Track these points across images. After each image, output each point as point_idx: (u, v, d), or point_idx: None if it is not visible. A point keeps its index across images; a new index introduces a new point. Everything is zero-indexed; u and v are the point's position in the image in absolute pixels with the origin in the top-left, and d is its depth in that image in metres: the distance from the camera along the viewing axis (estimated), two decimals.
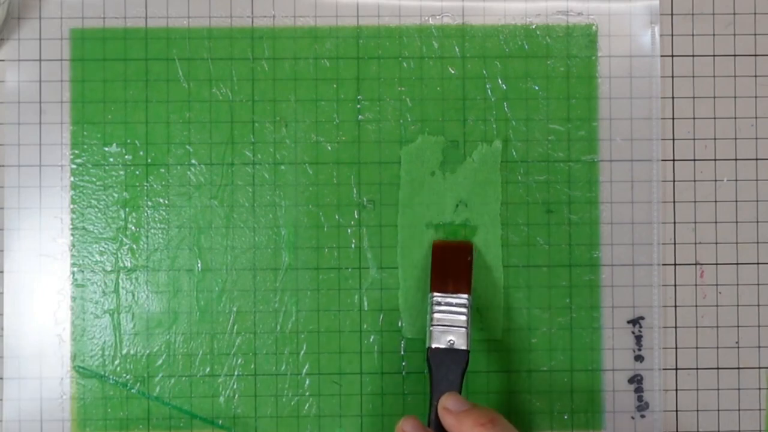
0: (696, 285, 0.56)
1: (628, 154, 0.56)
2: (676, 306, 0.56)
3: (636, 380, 0.56)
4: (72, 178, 0.55)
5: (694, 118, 0.57)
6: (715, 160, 0.56)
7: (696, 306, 0.56)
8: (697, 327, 0.56)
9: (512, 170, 0.56)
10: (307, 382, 0.55)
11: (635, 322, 0.56)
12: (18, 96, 0.55)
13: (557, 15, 0.57)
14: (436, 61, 0.56)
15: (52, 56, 0.56)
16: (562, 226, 0.56)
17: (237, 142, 0.56)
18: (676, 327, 0.56)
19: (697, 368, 0.56)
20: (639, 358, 0.56)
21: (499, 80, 0.56)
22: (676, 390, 0.56)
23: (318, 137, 0.56)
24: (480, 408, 0.47)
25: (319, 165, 0.56)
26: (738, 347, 0.56)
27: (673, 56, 0.57)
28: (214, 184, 0.56)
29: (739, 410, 0.56)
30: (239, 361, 0.55)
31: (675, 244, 0.56)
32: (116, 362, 0.55)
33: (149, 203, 0.55)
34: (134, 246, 0.55)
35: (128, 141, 0.55)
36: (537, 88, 0.56)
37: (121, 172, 0.55)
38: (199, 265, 0.55)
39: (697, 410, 0.56)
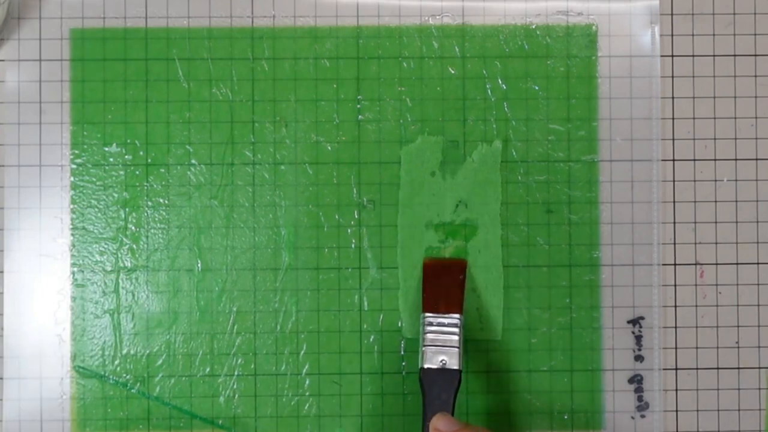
0: (696, 285, 0.56)
1: (628, 154, 0.56)
2: (676, 306, 0.56)
3: (636, 380, 0.56)
4: (72, 178, 0.55)
5: (694, 118, 0.57)
6: (715, 160, 0.56)
7: (696, 306, 0.56)
8: (697, 327, 0.56)
9: (512, 170, 0.56)
10: (307, 382, 0.55)
11: (635, 322, 0.56)
12: (18, 96, 0.55)
13: (557, 15, 0.57)
14: (436, 61, 0.56)
15: (52, 56, 0.56)
16: (562, 226, 0.56)
17: (237, 142, 0.56)
18: (676, 327, 0.56)
19: (697, 368, 0.56)
20: (639, 358, 0.56)
21: (499, 80, 0.56)
22: (676, 390, 0.56)
23: (318, 137, 0.56)
24: (471, 428, 0.47)
25: (319, 165, 0.56)
26: (738, 347, 0.56)
27: (673, 56, 0.57)
28: (214, 184, 0.56)
29: (739, 410, 0.56)
30: (239, 361, 0.55)
31: (675, 244, 0.56)
32: (116, 362, 0.55)
33: (149, 203, 0.55)
34: (134, 246, 0.55)
35: (128, 141, 0.55)
36: (537, 88, 0.56)
37: (121, 172, 0.55)
38: (199, 265, 0.55)
39: (697, 410, 0.56)
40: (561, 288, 0.56)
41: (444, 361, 0.51)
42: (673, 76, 0.57)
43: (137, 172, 0.56)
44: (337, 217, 0.56)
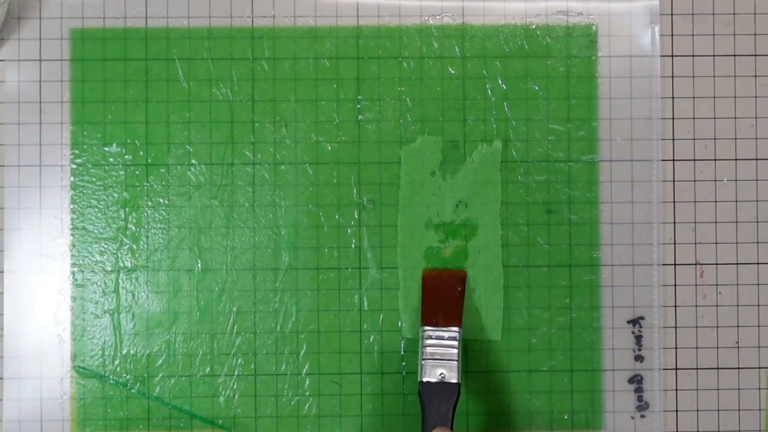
0: (696, 285, 0.56)
1: (628, 154, 0.56)
2: (676, 306, 0.56)
3: (636, 380, 0.56)
4: (72, 178, 0.55)
5: (694, 118, 0.57)
6: (715, 160, 0.56)
7: (696, 306, 0.56)
8: (697, 327, 0.56)
9: (512, 170, 0.56)
10: (307, 382, 0.55)
11: (635, 322, 0.56)
12: (18, 96, 0.55)
13: (557, 15, 0.57)
14: (436, 61, 0.56)
15: (52, 56, 0.56)
16: (562, 226, 0.56)
17: (237, 142, 0.56)
18: (676, 327, 0.56)
19: (697, 368, 0.56)
20: (639, 358, 0.56)
21: (499, 80, 0.56)
22: (676, 390, 0.56)
23: (318, 137, 0.56)
24: None
25: (319, 165, 0.56)
26: (738, 347, 0.56)
27: (673, 56, 0.57)
28: (214, 184, 0.56)
29: (739, 410, 0.56)
30: (239, 361, 0.55)
31: (675, 244, 0.56)
32: (116, 362, 0.55)
33: (149, 203, 0.55)
34: (134, 246, 0.55)
35: (128, 141, 0.55)
36: (537, 88, 0.56)
37: (121, 172, 0.55)
38: (199, 265, 0.55)
39: (697, 410, 0.56)
40: (561, 288, 0.56)
41: (443, 375, 0.51)
42: (673, 76, 0.57)
43: (137, 172, 0.56)
44: (337, 217, 0.56)
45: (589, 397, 0.56)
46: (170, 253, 0.55)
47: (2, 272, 0.55)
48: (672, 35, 0.57)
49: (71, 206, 0.55)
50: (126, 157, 0.55)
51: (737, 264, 0.56)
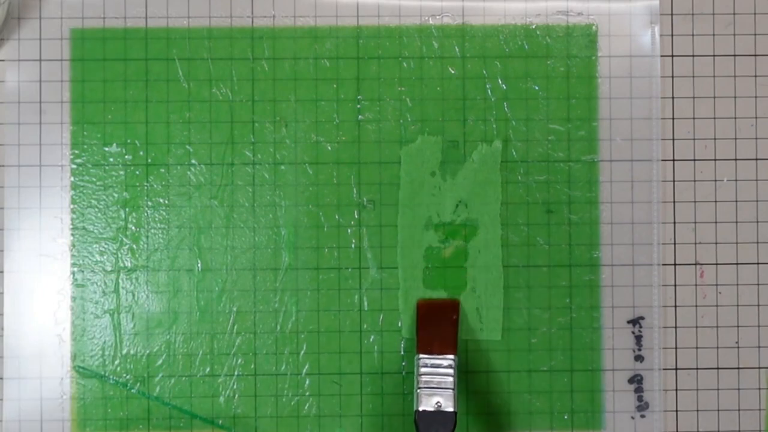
0: (696, 285, 0.56)
1: (628, 154, 0.56)
2: (676, 306, 0.56)
3: (636, 380, 0.56)
4: (72, 178, 0.55)
5: (694, 118, 0.57)
6: (715, 160, 0.56)
7: (696, 306, 0.56)
8: (697, 327, 0.56)
9: (512, 170, 0.56)
10: (307, 382, 0.55)
11: (635, 322, 0.56)
12: (18, 96, 0.55)
13: (557, 15, 0.57)
14: (436, 61, 0.56)
15: (52, 56, 0.56)
16: (562, 226, 0.56)
17: (237, 142, 0.56)
18: (676, 327, 0.56)
19: (697, 368, 0.56)
20: (639, 358, 0.56)
21: (499, 80, 0.56)
22: (676, 390, 0.56)
23: (318, 137, 0.56)
24: None
25: (319, 165, 0.56)
26: (738, 347, 0.56)
27: (673, 56, 0.57)
28: (214, 184, 0.56)
29: (739, 410, 0.56)
30: (239, 361, 0.55)
31: (675, 244, 0.56)
32: (116, 362, 0.55)
33: (149, 203, 0.55)
34: (134, 246, 0.55)
35: (128, 141, 0.55)
36: (537, 88, 0.56)
37: (121, 172, 0.55)
38: (199, 265, 0.55)
39: (697, 410, 0.56)
40: (561, 288, 0.56)
41: (439, 404, 0.51)
42: (673, 76, 0.57)
43: (137, 172, 0.56)
44: (337, 217, 0.56)
45: (589, 397, 0.56)
46: (170, 253, 0.55)
47: (2, 272, 0.55)
48: (672, 35, 0.57)
49: (71, 206, 0.55)
50: (126, 157, 0.55)
51: (737, 264, 0.56)
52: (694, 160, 0.57)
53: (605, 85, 0.56)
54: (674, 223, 0.56)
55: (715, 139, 0.57)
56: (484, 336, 0.56)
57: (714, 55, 0.57)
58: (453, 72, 0.56)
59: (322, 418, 0.55)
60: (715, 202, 0.56)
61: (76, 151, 0.55)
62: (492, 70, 0.56)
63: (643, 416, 0.56)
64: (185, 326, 0.55)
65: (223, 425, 0.55)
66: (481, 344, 0.56)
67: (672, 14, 0.57)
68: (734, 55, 0.57)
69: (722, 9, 0.57)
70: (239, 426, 0.55)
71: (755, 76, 0.57)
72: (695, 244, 0.56)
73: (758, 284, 0.56)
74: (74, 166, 0.55)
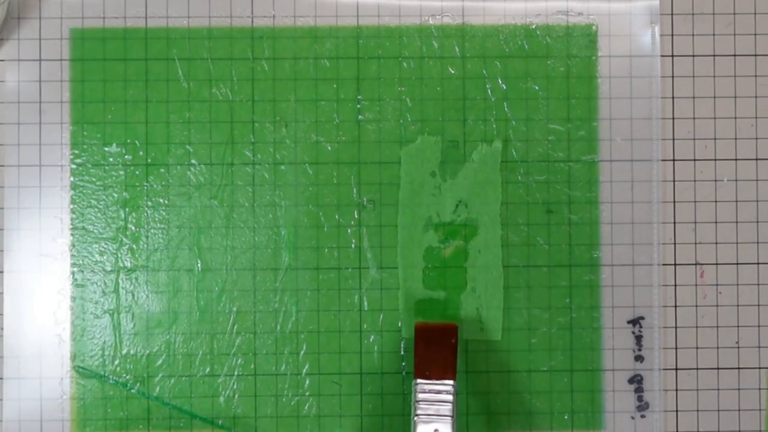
0: (696, 285, 0.56)
1: (628, 154, 0.56)
2: (676, 306, 0.56)
3: (636, 380, 0.56)
4: (72, 178, 0.55)
5: (694, 118, 0.57)
6: (715, 160, 0.56)
7: (696, 306, 0.56)
8: (697, 327, 0.56)
9: (512, 170, 0.56)
10: (307, 382, 0.55)
11: (635, 322, 0.56)
12: (18, 96, 0.55)
13: (557, 15, 0.57)
14: (436, 61, 0.56)
15: (52, 56, 0.56)
16: (562, 226, 0.56)
17: (237, 142, 0.56)
18: (676, 327, 0.56)
19: (697, 368, 0.56)
20: (639, 358, 0.56)
21: (499, 80, 0.56)
22: (676, 390, 0.56)
23: (318, 137, 0.56)
24: None
25: (319, 165, 0.56)
26: (738, 347, 0.56)
27: (673, 56, 0.57)
28: (214, 184, 0.56)
29: (739, 410, 0.56)
30: (239, 361, 0.55)
31: (675, 244, 0.56)
32: (116, 362, 0.55)
33: (149, 203, 0.55)
34: (134, 246, 0.55)
35: (128, 141, 0.55)
36: (537, 88, 0.56)
37: (121, 172, 0.55)
38: (199, 265, 0.55)
39: (697, 410, 0.56)
40: (561, 288, 0.56)
41: (437, 431, 0.50)
42: (673, 76, 0.57)
43: (137, 172, 0.56)
44: (337, 217, 0.56)
45: (589, 397, 0.56)
46: (170, 253, 0.55)
47: (2, 272, 0.55)
48: (672, 35, 0.57)
49: (71, 206, 0.55)
50: (126, 157, 0.55)
51: (737, 264, 0.56)
52: (694, 160, 0.57)
53: (605, 85, 0.56)
54: (674, 223, 0.56)
55: (715, 139, 0.57)
56: (484, 336, 0.56)
57: (714, 55, 0.57)
58: (453, 72, 0.56)
59: (322, 418, 0.55)
60: (715, 202, 0.56)
61: (76, 151, 0.55)
62: (492, 70, 0.56)
63: (643, 416, 0.56)
64: (185, 326, 0.55)
65: (223, 425, 0.55)
66: (481, 344, 0.56)
67: (672, 14, 0.57)
68: (734, 55, 0.57)
69: (722, 9, 0.57)
70: (239, 426, 0.55)
71: (755, 76, 0.57)
72: (695, 244, 0.56)
73: (758, 284, 0.56)
74: (74, 166, 0.55)
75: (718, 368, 0.56)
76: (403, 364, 0.55)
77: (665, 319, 0.56)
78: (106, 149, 0.56)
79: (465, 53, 0.56)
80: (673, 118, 0.56)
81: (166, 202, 0.55)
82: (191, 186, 0.56)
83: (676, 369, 0.56)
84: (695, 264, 0.56)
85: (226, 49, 0.56)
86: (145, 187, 0.55)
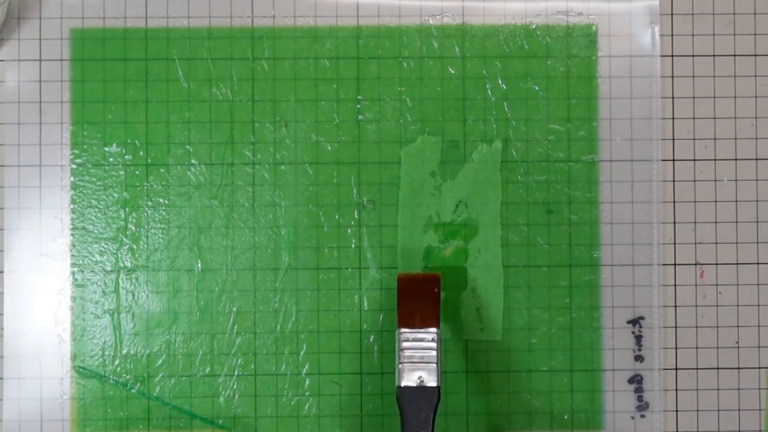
0: (696, 285, 0.56)
1: (628, 154, 0.56)
2: (676, 306, 0.56)
3: (636, 380, 0.56)
4: (72, 178, 0.55)
5: (694, 118, 0.57)
6: (715, 160, 0.56)
7: (696, 306, 0.56)
8: (697, 327, 0.56)
9: (512, 170, 0.56)
10: (307, 382, 0.55)
11: (635, 322, 0.56)
12: (18, 96, 0.55)
13: (557, 15, 0.57)
14: (436, 61, 0.56)
15: (52, 56, 0.56)
16: (562, 226, 0.56)
17: (237, 142, 0.56)
18: (676, 327, 0.56)
19: (697, 368, 0.56)
20: (639, 358, 0.56)
21: (499, 80, 0.56)
22: (676, 390, 0.56)
23: (318, 137, 0.56)
24: None
25: (319, 165, 0.56)
26: (738, 347, 0.56)
27: (673, 56, 0.57)
28: (214, 184, 0.56)
29: (739, 410, 0.56)
30: (239, 361, 0.55)
31: (675, 244, 0.56)
32: (116, 362, 0.55)
33: (149, 203, 0.55)
34: (134, 246, 0.55)
35: (128, 141, 0.55)
36: (537, 88, 0.56)
37: (121, 172, 0.55)
38: (199, 265, 0.55)
39: (697, 410, 0.56)
40: (561, 288, 0.56)
41: (421, 378, 0.49)
42: (673, 76, 0.57)
43: (137, 172, 0.56)
44: (337, 217, 0.56)
45: (589, 397, 0.56)
46: (170, 253, 0.55)
47: (2, 272, 0.55)
48: (672, 35, 0.57)
49: (71, 206, 0.55)
50: (126, 157, 0.55)
51: (737, 264, 0.56)
52: (694, 160, 0.57)
53: (605, 85, 0.56)
54: (674, 223, 0.56)
55: (715, 139, 0.57)
56: (484, 336, 0.56)
57: (714, 55, 0.57)
58: (453, 72, 0.56)
59: (322, 418, 0.55)
60: (715, 202, 0.56)
61: (76, 151, 0.55)
62: (492, 70, 0.56)
63: (643, 416, 0.56)
64: (185, 326, 0.55)
65: (223, 425, 0.55)
66: (481, 344, 0.56)
67: (672, 14, 0.57)
68: (734, 55, 0.57)
69: (722, 9, 0.57)
70: (239, 426, 0.55)
71: (755, 76, 0.57)
72: (695, 244, 0.56)
73: (758, 284, 0.56)
74: (74, 166, 0.55)
75: (718, 368, 0.56)
76: None
77: (665, 319, 0.56)
78: (106, 149, 0.56)
79: (465, 53, 0.56)
80: (673, 118, 0.56)
81: (166, 202, 0.55)
82: (191, 186, 0.56)
83: (676, 369, 0.56)
84: (695, 264, 0.56)
85: (226, 49, 0.56)
86: (145, 187, 0.55)
